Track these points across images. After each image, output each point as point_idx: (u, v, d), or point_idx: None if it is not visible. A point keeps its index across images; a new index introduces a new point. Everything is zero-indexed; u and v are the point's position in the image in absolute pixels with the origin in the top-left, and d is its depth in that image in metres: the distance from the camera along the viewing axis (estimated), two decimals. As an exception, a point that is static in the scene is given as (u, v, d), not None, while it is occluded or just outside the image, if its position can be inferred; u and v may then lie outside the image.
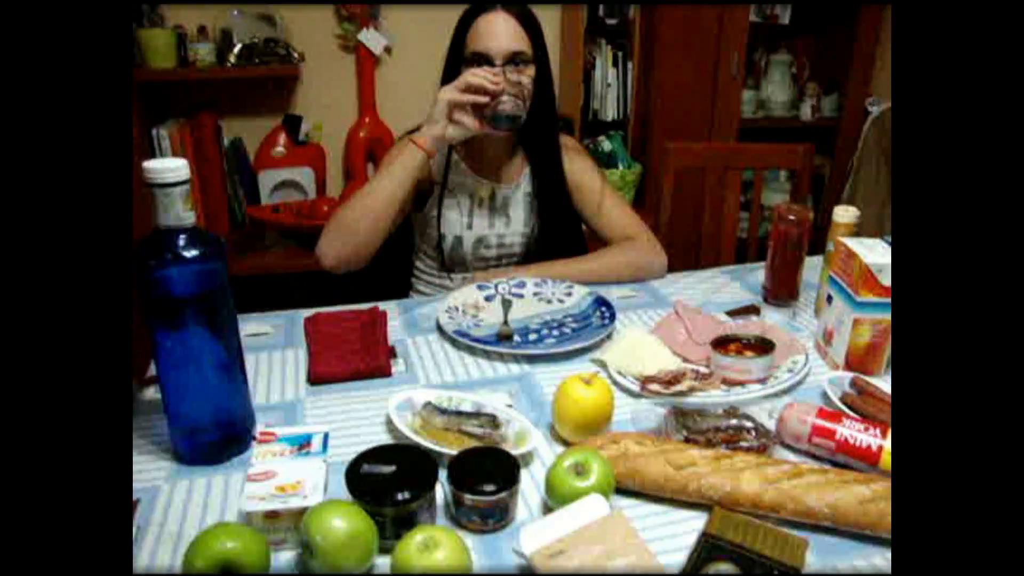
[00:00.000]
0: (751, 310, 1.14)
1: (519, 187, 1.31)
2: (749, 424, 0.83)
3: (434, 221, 1.29)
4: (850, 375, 0.93)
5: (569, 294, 1.16)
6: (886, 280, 0.93)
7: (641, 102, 2.25)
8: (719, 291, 1.22)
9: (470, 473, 0.72)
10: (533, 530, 0.66)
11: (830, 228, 1.09)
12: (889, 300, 0.93)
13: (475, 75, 1.10)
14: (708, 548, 0.67)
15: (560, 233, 1.30)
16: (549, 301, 1.15)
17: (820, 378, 0.94)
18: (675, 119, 2.15)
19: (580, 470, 0.72)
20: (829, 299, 1.02)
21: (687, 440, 0.81)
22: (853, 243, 0.97)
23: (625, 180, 2.19)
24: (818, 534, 0.71)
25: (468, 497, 0.71)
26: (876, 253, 0.95)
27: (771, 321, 1.11)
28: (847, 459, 0.79)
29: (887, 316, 0.94)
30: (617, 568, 0.61)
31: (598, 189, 1.29)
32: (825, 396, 0.90)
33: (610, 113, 2.26)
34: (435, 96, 1.14)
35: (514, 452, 0.78)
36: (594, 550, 0.63)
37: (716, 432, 0.82)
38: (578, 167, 1.31)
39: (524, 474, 0.79)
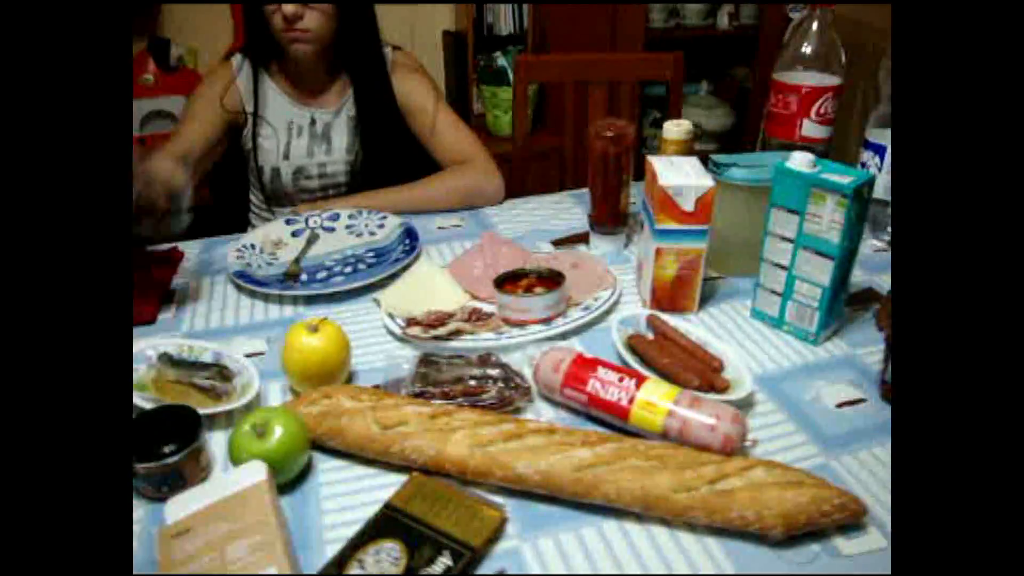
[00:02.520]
0: (579, 239, 1.01)
1: (341, 112, 1.18)
2: (497, 374, 0.72)
3: (251, 153, 1.17)
4: (646, 313, 0.82)
5: (381, 226, 1.04)
6: (687, 204, 0.80)
7: (539, 14, 2.04)
8: (555, 218, 1.09)
9: (147, 436, 0.64)
10: (180, 501, 0.58)
11: (661, 144, 0.95)
12: (694, 227, 0.81)
13: None
14: (382, 523, 0.58)
15: (388, 159, 1.17)
16: (360, 234, 1.04)
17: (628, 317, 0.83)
18: (573, 31, 1.94)
19: (261, 431, 0.62)
20: (643, 226, 0.89)
21: (419, 394, 0.71)
22: (659, 162, 0.84)
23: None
24: (533, 502, 0.62)
25: (139, 465, 0.62)
26: (679, 173, 0.81)
27: (597, 252, 0.99)
28: (600, 414, 0.69)
29: (695, 246, 0.82)
30: (234, 551, 0.53)
31: (431, 110, 1.15)
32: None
33: (505, 27, 2.06)
34: None
35: (231, 406, 0.70)
36: (220, 529, 0.54)
37: (456, 384, 0.71)
38: (410, 87, 1.17)
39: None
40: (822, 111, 0.98)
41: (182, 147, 1.06)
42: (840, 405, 0.73)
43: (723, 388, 0.72)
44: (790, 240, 0.79)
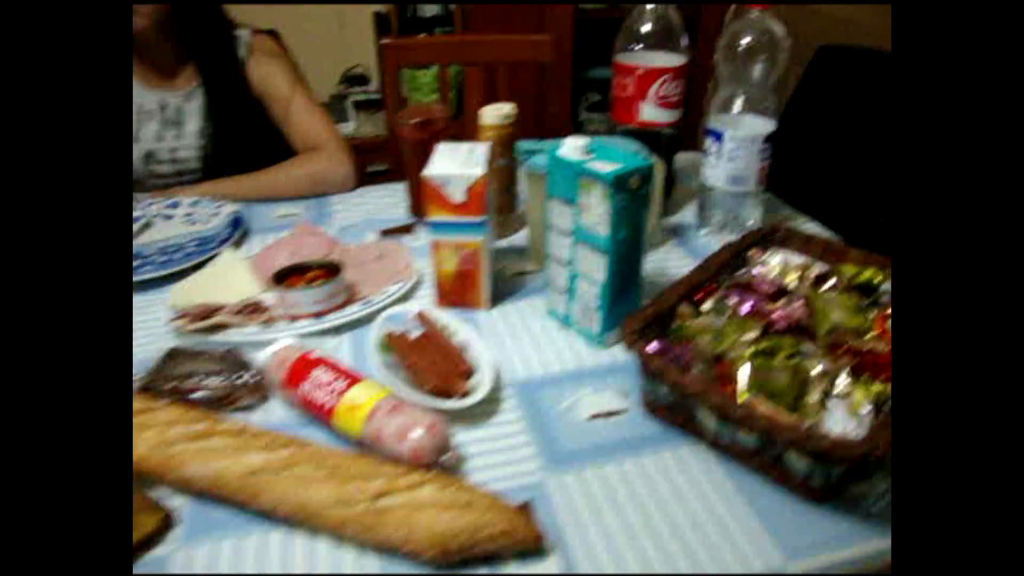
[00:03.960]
0: (406, 229, 0.97)
1: (192, 96, 1.16)
2: (232, 370, 0.70)
3: None
4: (417, 310, 0.77)
5: (216, 214, 1.02)
6: (457, 195, 0.75)
7: (464, -4, 1.96)
8: (397, 207, 1.05)
9: None
10: None
11: (479, 130, 0.90)
12: (468, 219, 0.76)
13: None
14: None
15: (241, 145, 1.15)
16: (195, 223, 1.02)
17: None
18: (500, 13, 1.86)
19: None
20: (440, 218, 0.84)
21: (146, 388, 0.69)
22: (442, 149, 0.79)
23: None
24: (214, 507, 0.59)
25: None
26: (451, 161, 0.76)
27: (419, 243, 0.94)
28: (313, 417, 0.65)
29: (472, 239, 0.77)
30: None
31: (285, 96, 1.13)
32: (386, 336, 0.75)
33: (430, 8, 1.99)
34: None
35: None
36: None
37: (186, 379, 0.69)
38: (266, 72, 1.15)
39: None
40: (662, 93, 0.90)
41: None
42: (594, 416, 0.67)
43: (463, 394, 0.67)
44: (569, 233, 0.73)
